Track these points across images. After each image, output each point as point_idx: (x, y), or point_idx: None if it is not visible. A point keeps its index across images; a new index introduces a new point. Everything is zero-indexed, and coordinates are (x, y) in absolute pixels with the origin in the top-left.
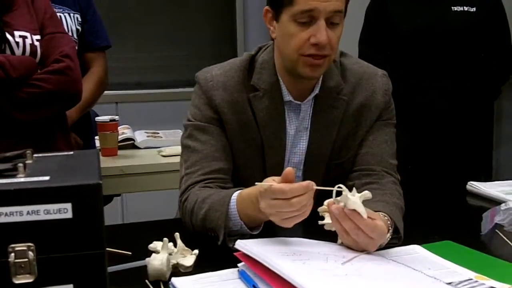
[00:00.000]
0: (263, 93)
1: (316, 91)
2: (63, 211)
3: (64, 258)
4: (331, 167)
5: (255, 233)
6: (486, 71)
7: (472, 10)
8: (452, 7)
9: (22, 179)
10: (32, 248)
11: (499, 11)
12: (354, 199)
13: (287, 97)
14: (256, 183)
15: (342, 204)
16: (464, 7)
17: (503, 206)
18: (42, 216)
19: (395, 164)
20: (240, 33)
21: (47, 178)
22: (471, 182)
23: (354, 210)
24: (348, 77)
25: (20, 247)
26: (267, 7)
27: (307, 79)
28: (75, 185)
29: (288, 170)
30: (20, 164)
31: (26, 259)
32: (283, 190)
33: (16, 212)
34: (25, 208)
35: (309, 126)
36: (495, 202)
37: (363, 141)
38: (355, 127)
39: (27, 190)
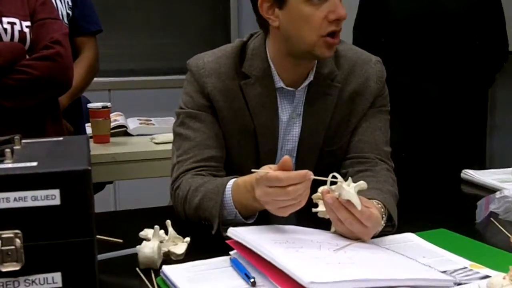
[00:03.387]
0: (255, 79)
1: (311, 77)
2: (51, 197)
3: (52, 245)
4: (323, 154)
5: (250, 222)
6: (480, 59)
7: None
8: None
9: (9, 165)
10: (19, 235)
11: None
12: (348, 189)
13: (279, 83)
14: (252, 171)
15: (336, 193)
16: None
17: (497, 194)
18: (30, 203)
19: (389, 152)
20: (234, 20)
21: (34, 164)
22: (465, 170)
23: (349, 201)
24: (342, 64)
25: (6, 234)
26: None
27: (322, 59)
28: (63, 171)
29: (285, 158)
30: (8, 150)
31: (13, 247)
32: (279, 178)
33: (3, 198)
34: (12, 195)
35: (302, 112)
36: (490, 190)
37: (357, 128)
38: (348, 114)
39: (14, 176)
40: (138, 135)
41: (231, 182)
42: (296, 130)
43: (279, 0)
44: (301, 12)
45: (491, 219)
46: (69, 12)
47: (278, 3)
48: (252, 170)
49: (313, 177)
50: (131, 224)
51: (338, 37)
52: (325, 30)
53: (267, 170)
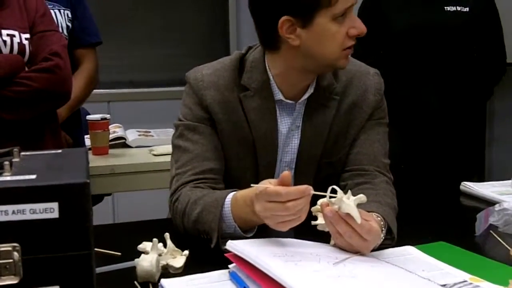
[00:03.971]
0: (254, 92)
1: (311, 90)
2: (49, 210)
3: (50, 259)
4: (322, 166)
5: (248, 235)
6: (478, 72)
7: (465, 10)
8: (445, 7)
9: (8, 178)
10: (17, 248)
11: (492, 11)
12: (348, 202)
13: (278, 96)
14: (252, 185)
15: (336, 207)
16: (457, 7)
17: (497, 207)
18: (28, 216)
19: (388, 164)
20: (233, 32)
21: (33, 176)
22: (464, 182)
23: (348, 214)
24: (340, 76)
25: (4, 247)
26: (285, 18)
27: (341, 69)
28: (62, 184)
29: (285, 173)
30: (6, 162)
31: (11, 260)
32: (279, 193)
33: (1, 211)
34: (10, 207)
35: (300, 125)
36: (489, 202)
37: (355, 141)
38: (346, 126)
39: (13, 189)
40: (137, 146)
41: (230, 195)
42: (295, 142)
43: (304, 20)
44: (328, 30)
45: (491, 231)
46: (69, 24)
47: (302, 22)
48: (252, 185)
49: (313, 192)
50: (129, 236)
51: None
52: (346, 44)
53: (267, 185)
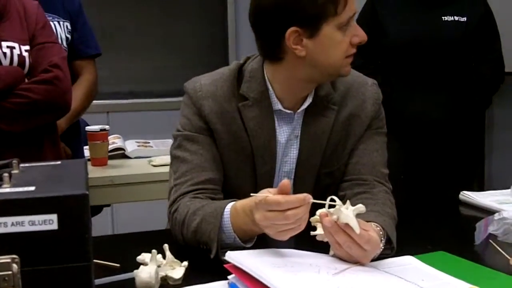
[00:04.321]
0: (253, 102)
1: (310, 100)
2: (48, 222)
3: (49, 270)
4: (321, 176)
5: (248, 246)
6: (477, 81)
7: (463, 20)
8: (443, 17)
9: (7, 189)
10: (16, 260)
11: (490, 21)
12: (347, 212)
13: (277, 105)
14: (251, 195)
15: (335, 217)
16: (455, 16)
17: (496, 216)
18: (27, 228)
19: (387, 173)
20: (232, 43)
21: (32, 188)
22: (464, 191)
23: (347, 224)
24: (338, 86)
25: (3, 259)
26: (293, 29)
27: (345, 76)
28: (61, 195)
29: (284, 182)
30: (6, 174)
31: (10, 272)
32: (279, 202)
33: (0, 223)
34: (9, 219)
35: (299, 134)
36: (489, 212)
37: (354, 150)
38: (345, 135)
39: (12, 201)
40: (136, 157)
41: (229, 205)
42: (294, 152)
43: (311, 30)
44: (334, 39)
45: (490, 241)
46: (68, 36)
47: (309, 33)
48: (251, 194)
49: (312, 200)
50: (128, 248)
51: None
52: (349, 52)
53: (266, 194)
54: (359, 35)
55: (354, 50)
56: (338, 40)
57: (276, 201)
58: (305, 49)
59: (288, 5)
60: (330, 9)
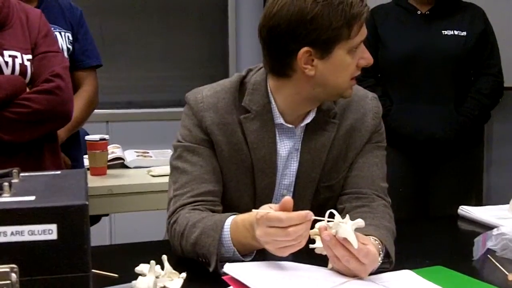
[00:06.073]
0: (255, 114)
1: (313, 115)
2: (48, 232)
3: (48, 280)
4: (320, 189)
5: (247, 260)
6: (476, 95)
7: (463, 34)
8: (443, 31)
9: (7, 199)
10: (15, 269)
11: (489, 35)
12: (346, 227)
13: (279, 119)
14: (253, 210)
15: (333, 231)
16: (455, 31)
17: (495, 231)
18: (26, 237)
19: (386, 187)
20: (232, 54)
21: (32, 198)
22: (462, 206)
23: (345, 238)
24: (338, 100)
25: (2, 268)
26: (305, 49)
27: (346, 98)
28: (61, 205)
29: (286, 199)
30: (6, 183)
31: (9, 281)
32: (280, 218)
33: (0, 232)
34: (9, 229)
35: (299, 148)
36: (487, 227)
37: (353, 164)
38: (344, 149)
39: (12, 210)
40: (135, 167)
41: (229, 219)
42: (294, 165)
43: (323, 51)
44: (344, 61)
45: (488, 256)
46: (70, 46)
47: (321, 54)
48: (253, 210)
49: (313, 217)
50: (127, 258)
51: None
52: (354, 74)
53: (268, 210)
54: (366, 57)
55: (358, 72)
56: (348, 62)
57: (278, 218)
58: (314, 69)
59: (304, 26)
60: (344, 33)
